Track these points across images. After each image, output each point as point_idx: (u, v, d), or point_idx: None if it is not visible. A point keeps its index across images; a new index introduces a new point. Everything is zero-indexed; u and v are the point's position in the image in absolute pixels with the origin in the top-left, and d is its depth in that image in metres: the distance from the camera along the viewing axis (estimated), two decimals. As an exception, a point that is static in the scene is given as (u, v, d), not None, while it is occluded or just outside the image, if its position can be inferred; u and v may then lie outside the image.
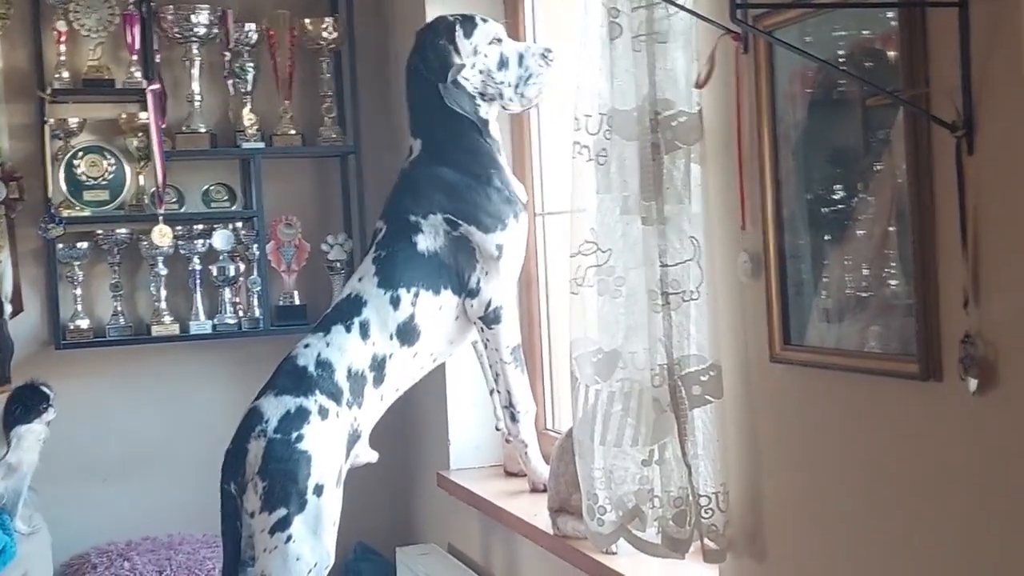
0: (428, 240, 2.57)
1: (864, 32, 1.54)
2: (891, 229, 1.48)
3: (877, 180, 1.52)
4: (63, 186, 3.42)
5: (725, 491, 1.83)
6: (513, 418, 2.70)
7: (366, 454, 2.61)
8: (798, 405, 1.69)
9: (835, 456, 1.61)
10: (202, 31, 3.46)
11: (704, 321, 1.83)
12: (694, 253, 1.82)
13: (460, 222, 2.56)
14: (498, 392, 2.73)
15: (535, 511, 2.59)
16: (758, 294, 1.74)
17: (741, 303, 1.80)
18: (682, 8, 1.74)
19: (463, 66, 2.55)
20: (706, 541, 1.85)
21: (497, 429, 2.87)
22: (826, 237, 1.62)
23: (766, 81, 1.69)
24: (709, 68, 1.75)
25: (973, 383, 1.34)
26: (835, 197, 1.59)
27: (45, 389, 3.01)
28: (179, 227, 3.46)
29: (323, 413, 2.41)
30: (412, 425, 3.42)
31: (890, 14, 1.45)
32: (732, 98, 1.76)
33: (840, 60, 1.57)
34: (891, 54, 1.47)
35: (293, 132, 3.57)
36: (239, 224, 3.54)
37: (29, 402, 2.99)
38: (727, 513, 1.83)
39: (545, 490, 2.59)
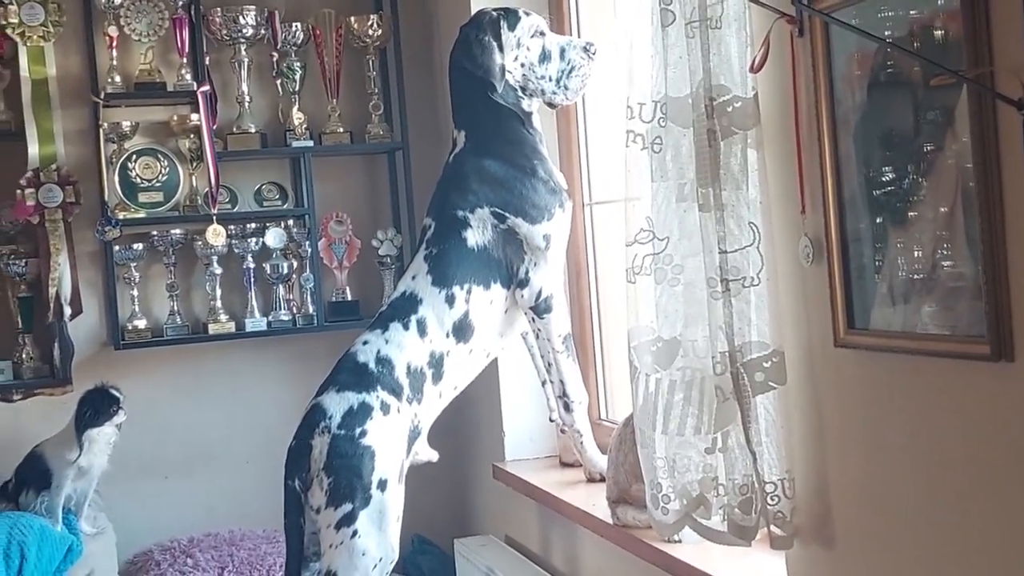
0: (477, 235, 2.58)
1: (912, 12, 1.51)
2: (957, 209, 1.46)
3: (940, 161, 1.49)
4: (118, 189, 3.47)
5: (791, 477, 1.82)
6: (567, 408, 2.71)
7: (426, 452, 2.62)
8: (864, 390, 1.67)
9: (903, 440, 1.59)
10: (250, 32, 3.50)
11: (765, 307, 1.81)
12: (753, 239, 1.80)
13: (507, 215, 2.57)
14: (551, 382, 2.74)
15: (593, 501, 2.59)
16: (820, 279, 1.72)
17: (803, 288, 1.78)
18: (736, -8, 1.73)
19: (504, 67, 2.55)
20: (772, 528, 1.84)
21: (551, 420, 2.87)
22: (888, 219, 1.60)
23: (823, 64, 1.67)
24: (764, 52, 1.73)
25: (1047, 363, 1.32)
26: (896, 179, 1.57)
27: (115, 392, 3.05)
28: (232, 226, 3.51)
29: (385, 409, 2.42)
30: (467, 417, 3.44)
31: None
32: (788, 82, 1.74)
33: (897, 40, 1.54)
34: (947, 32, 1.44)
35: (341, 130, 3.60)
36: (291, 222, 3.58)
37: (100, 405, 3.04)
38: (793, 500, 1.82)
39: (602, 480, 2.59)
